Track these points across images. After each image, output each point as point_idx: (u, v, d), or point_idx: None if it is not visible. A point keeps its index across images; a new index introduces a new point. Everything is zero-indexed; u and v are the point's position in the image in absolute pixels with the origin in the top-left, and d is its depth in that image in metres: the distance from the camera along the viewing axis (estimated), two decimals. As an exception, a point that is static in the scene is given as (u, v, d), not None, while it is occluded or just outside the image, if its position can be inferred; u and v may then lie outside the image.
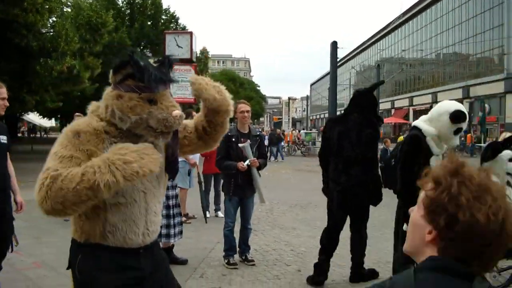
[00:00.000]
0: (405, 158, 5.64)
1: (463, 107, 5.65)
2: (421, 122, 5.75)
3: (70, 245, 3.00)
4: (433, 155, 5.60)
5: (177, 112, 2.85)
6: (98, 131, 2.83)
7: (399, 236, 5.79)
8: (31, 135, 67.31)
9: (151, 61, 2.90)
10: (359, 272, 6.99)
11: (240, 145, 7.41)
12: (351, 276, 7.00)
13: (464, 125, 5.57)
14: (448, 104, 5.67)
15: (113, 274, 2.87)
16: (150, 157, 2.70)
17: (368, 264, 7.39)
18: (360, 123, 6.70)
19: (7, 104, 5.92)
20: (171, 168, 3.14)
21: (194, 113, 9.89)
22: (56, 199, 2.55)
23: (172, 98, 2.96)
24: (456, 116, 5.46)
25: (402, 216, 5.77)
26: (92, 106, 3.02)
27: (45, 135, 69.42)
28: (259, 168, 7.59)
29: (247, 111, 7.57)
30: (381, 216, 11.83)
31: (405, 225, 5.38)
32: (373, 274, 7.09)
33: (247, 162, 7.35)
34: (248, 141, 7.46)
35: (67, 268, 3.00)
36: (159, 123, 2.82)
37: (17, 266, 7.29)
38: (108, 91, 2.91)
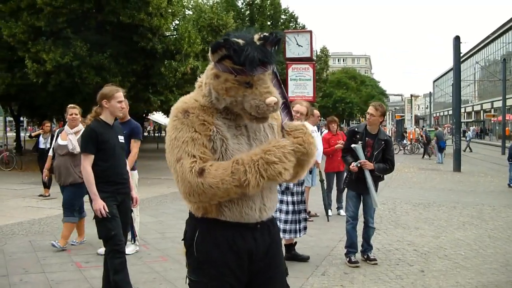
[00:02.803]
0: None
1: None
2: None
3: (188, 218, 3.04)
4: None
5: (271, 99, 2.69)
6: (205, 107, 2.84)
7: None
8: (155, 134, 70.18)
9: (256, 36, 2.72)
10: None
11: (352, 145, 7.46)
12: None
13: None
14: None
15: (229, 253, 2.87)
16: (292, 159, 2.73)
17: (495, 266, 7.16)
18: None
19: (124, 106, 6.30)
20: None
21: (316, 111, 9.90)
22: (205, 196, 2.68)
23: (271, 82, 2.82)
24: None
25: None
26: (199, 81, 3.01)
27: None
28: (380, 172, 7.49)
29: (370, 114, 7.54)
30: (509, 217, 11.42)
31: None
32: None
33: (357, 163, 7.35)
34: (360, 142, 7.46)
35: (182, 239, 3.02)
36: (251, 109, 2.74)
37: (145, 259, 7.66)
38: (209, 67, 2.86)
